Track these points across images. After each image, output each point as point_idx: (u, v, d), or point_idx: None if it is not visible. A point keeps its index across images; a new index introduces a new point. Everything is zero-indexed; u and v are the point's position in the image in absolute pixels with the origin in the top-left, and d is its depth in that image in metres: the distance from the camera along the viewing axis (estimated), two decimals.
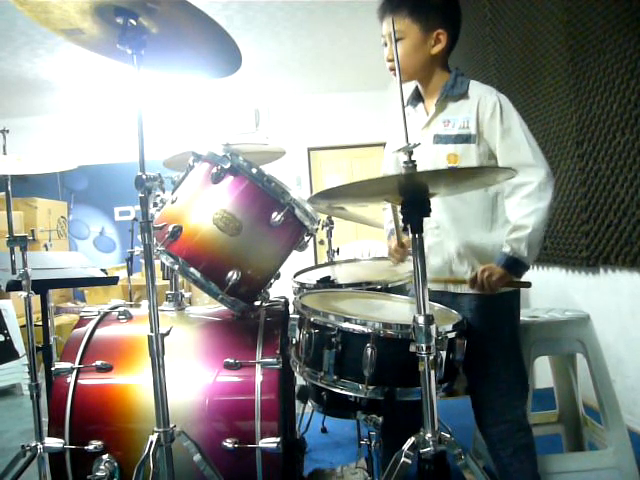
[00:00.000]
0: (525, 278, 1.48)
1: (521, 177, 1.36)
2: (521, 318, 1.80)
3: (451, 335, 1.33)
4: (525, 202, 1.40)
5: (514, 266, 1.41)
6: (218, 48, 1.41)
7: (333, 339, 1.31)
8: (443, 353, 1.29)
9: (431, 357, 1.12)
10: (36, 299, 2.01)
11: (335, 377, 1.32)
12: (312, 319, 1.38)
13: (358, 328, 1.30)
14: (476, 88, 1.50)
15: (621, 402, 1.81)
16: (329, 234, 2.51)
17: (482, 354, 1.46)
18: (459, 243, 1.51)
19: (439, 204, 1.50)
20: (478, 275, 1.42)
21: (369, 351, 1.27)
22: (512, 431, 1.49)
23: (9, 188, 1.96)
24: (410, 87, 1.63)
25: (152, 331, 1.26)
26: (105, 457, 1.50)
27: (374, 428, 1.42)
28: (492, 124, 1.45)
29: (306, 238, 1.70)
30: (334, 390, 1.34)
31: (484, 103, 1.46)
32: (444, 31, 1.49)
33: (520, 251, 1.39)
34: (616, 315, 2.42)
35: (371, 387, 1.28)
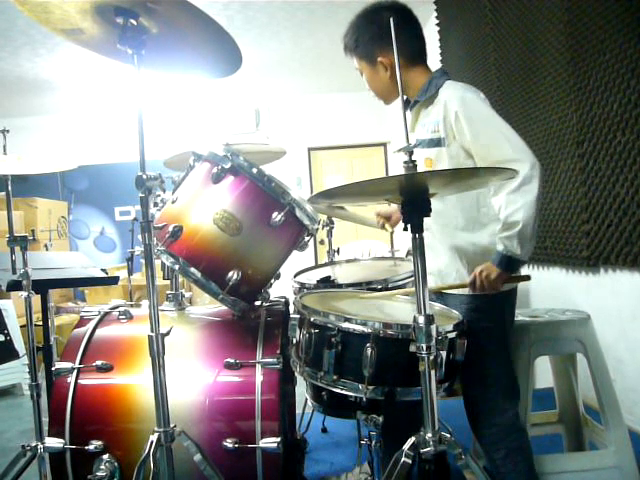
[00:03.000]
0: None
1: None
2: (521, 318, 1.81)
3: (451, 335, 1.33)
4: (512, 198, 1.38)
5: (510, 263, 1.40)
6: (218, 48, 1.41)
7: (333, 339, 1.31)
8: (443, 353, 1.29)
9: (431, 357, 1.12)
10: (36, 299, 2.01)
11: (335, 377, 1.32)
12: (312, 319, 1.38)
13: (358, 328, 1.30)
14: (446, 90, 1.50)
15: (621, 402, 1.81)
16: (329, 234, 2.51)
17: (471, 357, 1.46)
18: (446, 245, 1.54)
19: None
20: (476, 276, 1.42)
21: (369, 351, 1.27)
22: (503, 434, 1.50)
23: (9, 188, 1.96)
24: None
25: (152, 331, 1.26)
26: (105, 457, 1.50)
27: (374, 428, 1.42)
28: (459, 127, 1.44)
29: (306, 238, 1.71)
30: (334, 390, 1.34)
31: (449, 106, 1.45)
32: (384, 57, 1.54)
33: (513, 248, 1.38)
34: (616, 315, 2.42)
35: (371, 387, 1.28)
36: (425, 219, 1.51)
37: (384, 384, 1.29)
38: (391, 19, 1.19)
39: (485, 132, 1.42)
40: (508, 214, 1.39)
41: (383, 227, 1.95)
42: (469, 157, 1.46)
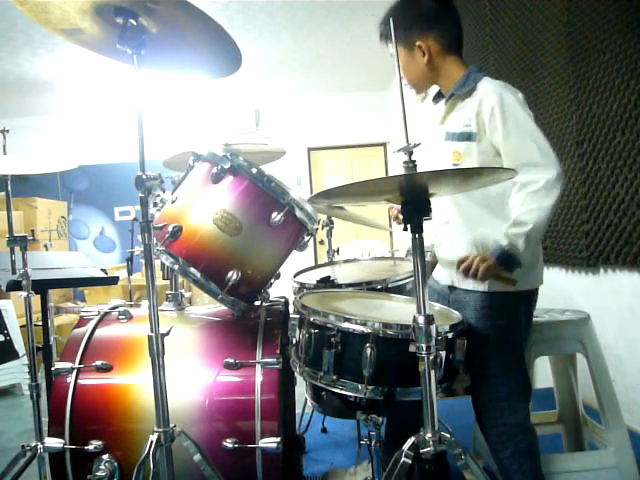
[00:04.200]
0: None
1: (529, 175, 1.36)
2: None
3: (450, 335, 1.33)
4: (530, 198, 1.38)
5: (508, 261, 1.39)
6: (218, 48, 1.41)
7: (332, 339, 1.31)
8: (442, 353, 1.29)
9: (431, 357, 1.12)
10: (36, 299, 2.01)
11: (334, 377, 1.32)
12: (312, 319, 1.38)
13: (357, 328, 1.30)
14: (484, 85, 1.49)
15: (621, 402, 1.81)
16: (329, 234, 2.51)
17: (483, 356, 1.46)
18: (468, 239, 1.52)
19: (447, 200, 1.52)
20: (470, 257, 1.41)
21: (368, 351, 1.27)
22: (511, 434, 1.48)
23: (9, 188, 1.96)
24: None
25: (152, 331, 1.26)
26: (105, 457, 1.50)
27: (374, 428, 1.42)
28: (492, 124, 1.44)
29: (306, 238, 1.71)
30: (333, 390, 1.34)
31: (486, 102, 1.45)
32: (423, 41, 1.52)
33: (517, 247, 1.38)
34: (616, 315, 2.42)
35: (370, 387, 1.28)
36: (447, 213, 1.52)
37: (383, 384, 1.28)
38: (391, 19, 1.19)
39: (516, 133, 1.41)
40: (522, 212, 1.38)
41: (396, 218, 1.92)
42: (498, 155, 1.46)
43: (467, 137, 1.48)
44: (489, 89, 1.47)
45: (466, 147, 1.48)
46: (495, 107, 1.42)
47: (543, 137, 1.42)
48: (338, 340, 1.31)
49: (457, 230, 1.54)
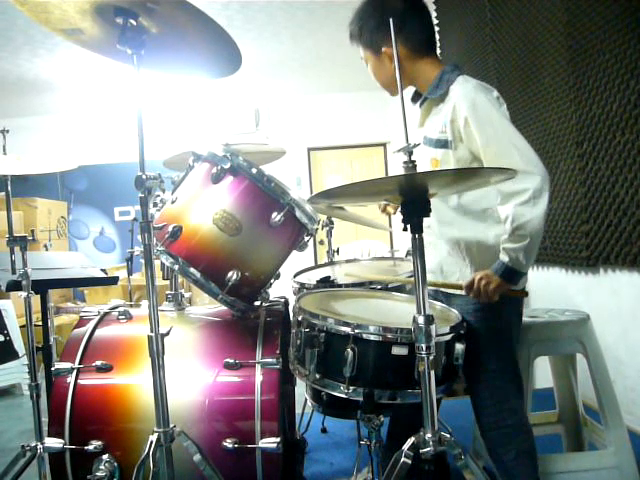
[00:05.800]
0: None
1: (513, 185, 1.31)
2: None
3: (446, 338, 1.32)
4: (521, 210, 1.33)
5: (512, 275, 1.37)
6: (218, 48, 1.41)
7: (316, 339, 1.32)
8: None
9: (431, 357, 1.12)
10: (36, 299, 2.01)
11: (317, 376, 1.33)
12: (299, 318, 1.39)
13: (339, 328, 1.31)
14: (456, 89, 1.44)
15: (621, 402, 1.81)
16: (329, 234, 2.51)
17: (479, 359, 1.45)
18: (449, 243, 1.51)
19: None
20: (475, 282, 1.38)
21: (349, 352, 1.27)
22: (513, 435, 1.48)
23: (9, 188, 1.96)
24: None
25: (152, 331, 1.26)
26: (105, 457, 1.50)
27: (373, 428, 1.42)
28: (468, 132, 1.39)
29: (306, 238, 1.71)
30: (317, 388, 1.34)
31: (458, 109, 1.40)
32: (389, 47, 1.47)
33: (518, 261, 1.35)
34: (616, 315, 2.42)
35: (352, 387, 1.28)
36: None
37: (364, 385, 1.29)
38: (391, 20, 1.18)
39: (495, 140, 1.38)
40: (516, 227, 1.34)
41: (385, 210, 1.87)
42: (475, 160, 1.42)
43: (443, 144, 1.44)
44: (461, 95, 1.42)
45: (443, 154, 1.45)
46: (468, 115, 1.38)
47: (522, 139, 1.38)
48: (321, 340, 1.32)
49: (437, 234, 1.53)
